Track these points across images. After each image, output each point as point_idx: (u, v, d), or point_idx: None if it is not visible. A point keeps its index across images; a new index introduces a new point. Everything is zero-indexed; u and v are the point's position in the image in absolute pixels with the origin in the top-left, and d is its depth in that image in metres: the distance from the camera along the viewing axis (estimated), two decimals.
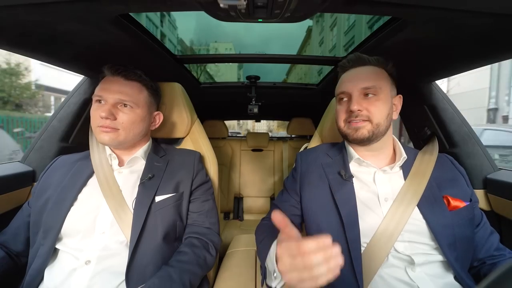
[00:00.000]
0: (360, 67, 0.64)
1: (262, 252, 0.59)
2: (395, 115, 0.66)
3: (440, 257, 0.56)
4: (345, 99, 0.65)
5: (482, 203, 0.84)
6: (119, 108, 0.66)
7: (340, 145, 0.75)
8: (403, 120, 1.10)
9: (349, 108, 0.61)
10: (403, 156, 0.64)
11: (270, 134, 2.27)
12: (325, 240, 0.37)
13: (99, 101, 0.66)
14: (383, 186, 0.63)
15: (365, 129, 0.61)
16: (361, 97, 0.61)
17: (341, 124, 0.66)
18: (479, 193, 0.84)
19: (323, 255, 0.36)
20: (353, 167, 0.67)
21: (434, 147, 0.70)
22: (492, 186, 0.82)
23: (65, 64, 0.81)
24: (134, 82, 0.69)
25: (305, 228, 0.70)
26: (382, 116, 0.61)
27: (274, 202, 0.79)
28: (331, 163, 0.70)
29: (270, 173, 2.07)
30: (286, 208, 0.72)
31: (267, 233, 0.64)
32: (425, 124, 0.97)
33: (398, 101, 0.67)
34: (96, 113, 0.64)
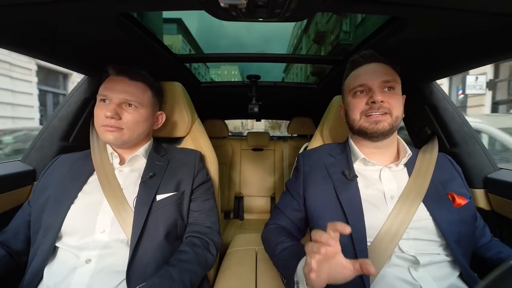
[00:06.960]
0: (375, 63, 0.64)
1: (282, 262, 0.59)
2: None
3: (445, 257, 0.56)
4: (363, 92, 0.63)
5: (483, 203, 0.84)
6: (123, 107, 0.67)
7: (342, 144, 0.75)
8: (404, 119, 1.10)
9: (370, 100, 0.60)
10: (408, 153, 0.64)
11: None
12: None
13: (104, 100, 0.66)
14: (389, 184, 0.62)
15: (386, 122, 0.60)
16: (380, 90, 0.61)
17: (357, 117, 0.63)
18: (479, 193, 0.84)
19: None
20: (358, 166, 0.67)
21: (434, 146, 0.70)
22: (493, 186, 0.82)
23: (65, 63, 0.81)
24: (138, 82, 0.70)
25: (310, 229, 0.69)
26: (400, 110, 0.62)
27: (278, 206, 0.77)
28: (335, 163, 0.69)
29: (271, 173, 2.07)
30: (289, 213, 0.72)
31: (282, 241, 0.63)
32: (425, 123, 0.97)
33: (403, 101, 0.66)
34: (101, 112, 0.65)
